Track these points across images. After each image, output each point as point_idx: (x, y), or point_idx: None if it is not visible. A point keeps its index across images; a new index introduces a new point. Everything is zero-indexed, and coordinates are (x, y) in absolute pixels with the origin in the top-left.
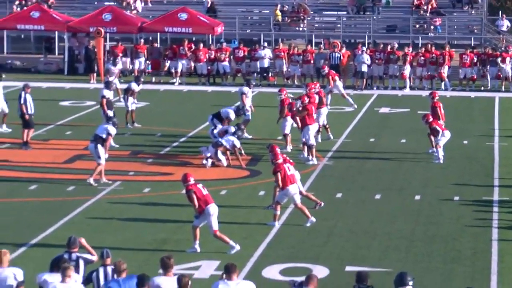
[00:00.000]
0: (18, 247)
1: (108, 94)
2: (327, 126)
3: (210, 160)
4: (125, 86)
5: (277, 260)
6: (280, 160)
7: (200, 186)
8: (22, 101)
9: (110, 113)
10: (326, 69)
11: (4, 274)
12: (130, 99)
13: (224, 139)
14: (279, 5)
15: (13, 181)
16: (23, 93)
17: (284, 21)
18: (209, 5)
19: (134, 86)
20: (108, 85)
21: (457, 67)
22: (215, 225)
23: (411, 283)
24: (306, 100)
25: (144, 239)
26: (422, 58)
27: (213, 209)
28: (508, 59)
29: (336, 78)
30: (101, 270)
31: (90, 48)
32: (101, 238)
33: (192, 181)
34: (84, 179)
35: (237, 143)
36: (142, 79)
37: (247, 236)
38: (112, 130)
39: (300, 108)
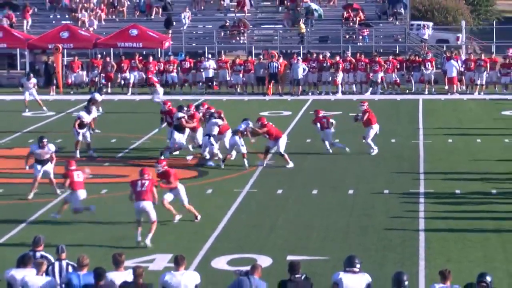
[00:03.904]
0: None
1: (85, 117)
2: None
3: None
4: (78, 97)
5: (224, 252)
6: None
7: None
8: None
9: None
10: None
11: None
12: (93, 108)
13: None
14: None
15: None
16: None
17: (226, 35)
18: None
19: (97, 96)
20: (87, 109)
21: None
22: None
23: (358, 265)
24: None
25: (102, 237)
26: (349, 64)
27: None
28: (428, 64)
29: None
30: (56, 264)
31: (49, 63)
32: (62, 237)
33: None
34: (45, 183)
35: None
36: (104, 90)
37: (196, 231)
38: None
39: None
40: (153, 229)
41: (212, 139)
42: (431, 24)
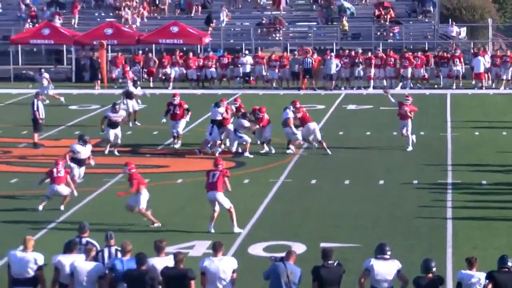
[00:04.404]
0: (36, 232)
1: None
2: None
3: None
4: (121, 90)
5: (260, 239)
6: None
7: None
8: (35, 108)
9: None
10: None
11: (27, 258)
12: (129, 102)
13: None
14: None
15: (30, 175)
16: (35, 100)
17: (263, 32)
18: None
19: (131, 88)
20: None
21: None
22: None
23: (389, 252)
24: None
25: (144, 224)
26: (380, 60)
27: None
28: (457, 60)
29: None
30: (105, 250)
31: (94, 59)
32: (108, 223)
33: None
34: (91, 173)
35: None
36: (138, 83)
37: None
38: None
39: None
40: (233, 216)
41: (237, 133)
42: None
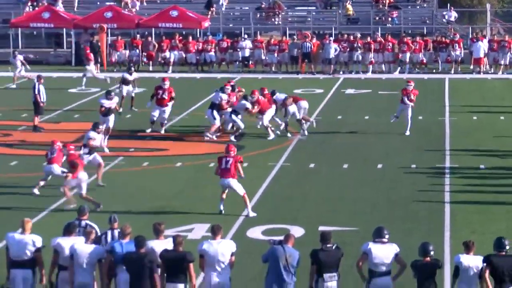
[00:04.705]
0: (35, 214)
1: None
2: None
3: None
4: (121, 74)
5: (259, 222)
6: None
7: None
8: (36, 91)
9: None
10: None
11: (25, 240)
12: (124, 87)
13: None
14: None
15: (30, 158)
16: (37, 83)
17: (262, 16)
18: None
19: (127, 76)
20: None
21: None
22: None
23: (387, 236)
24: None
25: (143, 207)
26: (378, 45)
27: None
28: (456, 45)
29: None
30: (109, 233)
31: (94, 42)
32: (107, 206)
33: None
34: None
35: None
36: (133, 69)
37: (232, 202)
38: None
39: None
40: (247, 201)
41: (233, 115)
42: None
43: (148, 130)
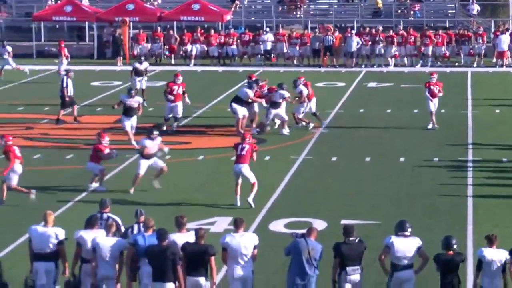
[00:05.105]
0: (58, 207)
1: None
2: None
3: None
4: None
5: (281, 216)
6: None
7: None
8: (64, 85)
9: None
10: None
11: (48, 233)
12: (137, 79)
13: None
14: None
15: (53, 151)
16: (65, 77)
17: (284, 9)
18: None
19: (137, 65)
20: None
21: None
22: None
23: (409, 229)
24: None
25: (166, 200)
26: (401, 38)
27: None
28: (479, 38)
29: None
30: (135, 226)
31: (117, 36)
32: (130, 199)
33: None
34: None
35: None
36: (142, 58)
37: (255, 195)
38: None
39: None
40: (254, 190)
41: (273, 109)
42: None
43: (164, 128)
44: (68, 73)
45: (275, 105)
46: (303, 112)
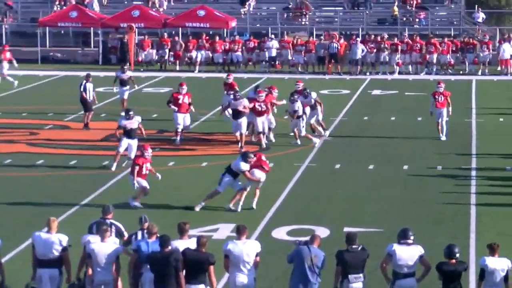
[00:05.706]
0: (62, 213)
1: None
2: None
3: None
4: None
5: (284, 223)
6: None
7: None
8: (82, 88)
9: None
10: None
11: (52, 239)
12: (124, 88)
13: None
14: None
15: (57, 157)
16: (84, 81)
17: (289, 16)
18: None
19: (121, 75)
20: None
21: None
22: None
23: (412, 237)
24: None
25: (169, 206)
26: (405, 45)
27: None
28: (484, 46)
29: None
30: (139, 233)
31: (125, 42)
32: (133, 206)
33: None
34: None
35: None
36: (126, 67)
37: (258, 203)
38: None
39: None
40: (257, 195)
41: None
42: None
43: (177, 141)
44: (88, 78)
45: (312, 108)
46: (317, 120)
